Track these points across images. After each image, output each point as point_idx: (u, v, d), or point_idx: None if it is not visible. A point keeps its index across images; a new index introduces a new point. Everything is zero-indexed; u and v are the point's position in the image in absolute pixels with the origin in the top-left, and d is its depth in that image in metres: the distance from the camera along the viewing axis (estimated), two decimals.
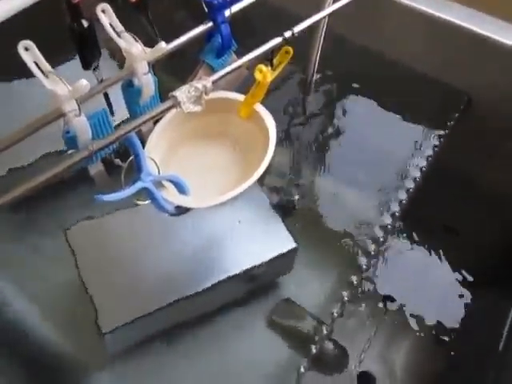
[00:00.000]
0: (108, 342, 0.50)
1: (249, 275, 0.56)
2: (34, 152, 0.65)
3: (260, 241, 0.57)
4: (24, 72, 0.38)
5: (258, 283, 0.59)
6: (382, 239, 0.63)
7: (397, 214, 0.64)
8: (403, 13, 0.67)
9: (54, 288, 0.59)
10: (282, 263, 0.59)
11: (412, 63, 0.69)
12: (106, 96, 0.50)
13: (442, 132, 0.66)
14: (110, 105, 0.58)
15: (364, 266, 0.61)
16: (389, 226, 0.63)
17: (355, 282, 0.60)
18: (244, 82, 0.53)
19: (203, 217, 0.58)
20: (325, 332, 0.58)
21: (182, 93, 0.39)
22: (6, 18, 0.44)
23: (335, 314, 0.58)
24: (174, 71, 0.54)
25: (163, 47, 0.39)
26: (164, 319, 0.54)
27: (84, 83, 0.36)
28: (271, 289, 0.62)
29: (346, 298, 0.60)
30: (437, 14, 0.63)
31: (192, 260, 0.55)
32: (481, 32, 0.62)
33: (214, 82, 0.41)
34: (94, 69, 0.56)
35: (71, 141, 0.42)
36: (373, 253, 0.62)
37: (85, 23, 0.53)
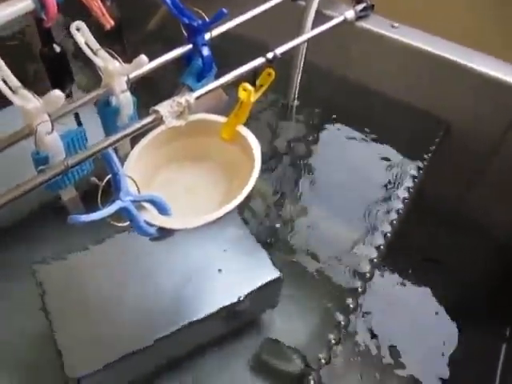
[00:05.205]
0: None
1: (231, 311, 0.52)
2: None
3: (241, 272, 0.53)
4: None
5: (241, 320, 0.55)
6: (368, 274, 0.61)
7: (382, 247, 0.62)
8: (381, 43, 0.69)
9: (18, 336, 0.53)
10: (266, 296, 0.55)
11: (390, 92, 0.71)
12: (78, 119, 0.48)
13: (422, 160, 0.66)
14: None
15: (351, 306, 0.59)
16: (375, 260, 0.62)
17: (342, 323, 0.58)
18: (224, 109, 0.51)
19: (178, 250, 0.54)
20: (313, 377, 0.54)
21: (164, 107, 0.37)
22: None
23: (322, 359, 0.55)
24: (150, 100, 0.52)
25: (144, 60, 0.37)
26: (139, 364, 0.49)
27: (57, 93, 0.33)
28: (255, 326, 0.58)
29: (333, 341, 0.56)
30: (414, 43, 0.66)
31: (167, 299, 0.51)
32: (453, 59, 0.65)
33: (197, 98, 0.39)
34: (67, 96, 0.54)
35: (41, 163, 0.39)
36: (360, 289, 0.60)
37: (57, 48, 0.52)
